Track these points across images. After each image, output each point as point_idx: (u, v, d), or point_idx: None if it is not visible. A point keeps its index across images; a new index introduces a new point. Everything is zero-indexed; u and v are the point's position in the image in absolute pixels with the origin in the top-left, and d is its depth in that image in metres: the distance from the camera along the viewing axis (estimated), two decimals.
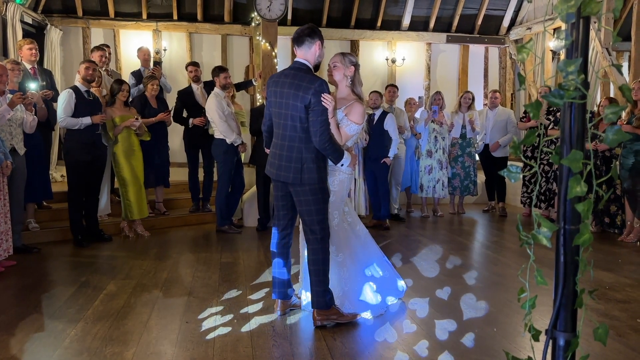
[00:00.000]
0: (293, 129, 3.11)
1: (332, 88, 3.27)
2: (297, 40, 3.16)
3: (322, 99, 3.02)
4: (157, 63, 7.24)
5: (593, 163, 1.17)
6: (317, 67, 3.21)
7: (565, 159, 1.23)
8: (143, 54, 7.08)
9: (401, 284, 3.68)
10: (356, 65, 3.36)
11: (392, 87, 6.99)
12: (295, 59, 3.23)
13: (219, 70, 5.99)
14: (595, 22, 6.08)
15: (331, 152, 3.12)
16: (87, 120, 5.13)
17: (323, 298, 3.12)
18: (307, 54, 3.16)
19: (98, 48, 6.28)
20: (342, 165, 3.22)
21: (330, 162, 3.24)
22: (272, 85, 3.22)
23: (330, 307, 3.14)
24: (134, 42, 7.97)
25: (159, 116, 6.01)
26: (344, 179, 3.36)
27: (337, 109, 3.23)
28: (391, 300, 3.55)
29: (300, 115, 3.06)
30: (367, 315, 3.31)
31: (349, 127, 3.25)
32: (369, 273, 3.50)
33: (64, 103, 5.09)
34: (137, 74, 6.88)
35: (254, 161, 6.15)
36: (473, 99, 7.29)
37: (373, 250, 3.60)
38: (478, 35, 9.37)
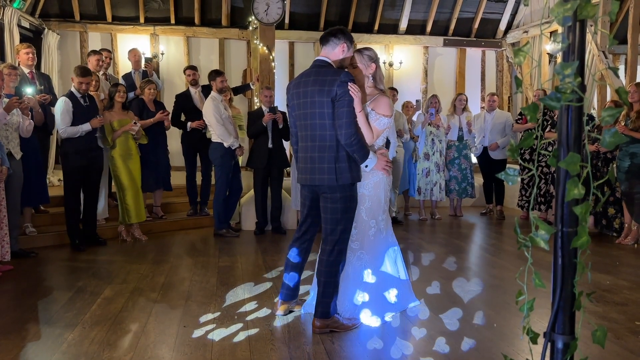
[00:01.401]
0: (322, 128, 2.98)
1: None
2: (323, 39, 3.10)
3: (349, 88, 2.91)
4: (149, 60, 7.21)
5: (594, 164, 1.17)
6: (341, 68, 3.10)
7: (563, 162, 1.23)
8: (134, 55, 7.06)
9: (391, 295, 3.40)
10: (376, 61, 3.25)
11: (391, 90, 6.97)
12: (316, 58, 3.14)
13: (215, 74, 6.00)
14: (591, 25, 6.10)
15: (357, 148, 2.96)
16: (86, 127, 5.12)
17: (328, 309, 3.08)
18: (330, 53, 3.08)
19: (95, 52, 6.27)
20: (366, 166, 3.06)
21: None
22: (293, 89, 3.13)
23: (331, 316, 3.10)
24: (131, 46, 7.95)
25: (156, 116, 5.99)
26: (379, 181, 3.18)
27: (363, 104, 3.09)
28: (389, 316, 3.32)
29: (329, 111, 2.95)
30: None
31: (378, 121, 3.11)
32: (358, 299, 3.27)
33: (61, 113, 5.06)
34: (128, 77, 6.86)
35: (252, 164, 6.15)
36: (467, 101, 7.31)
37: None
38: (475, 39, 9.41)
